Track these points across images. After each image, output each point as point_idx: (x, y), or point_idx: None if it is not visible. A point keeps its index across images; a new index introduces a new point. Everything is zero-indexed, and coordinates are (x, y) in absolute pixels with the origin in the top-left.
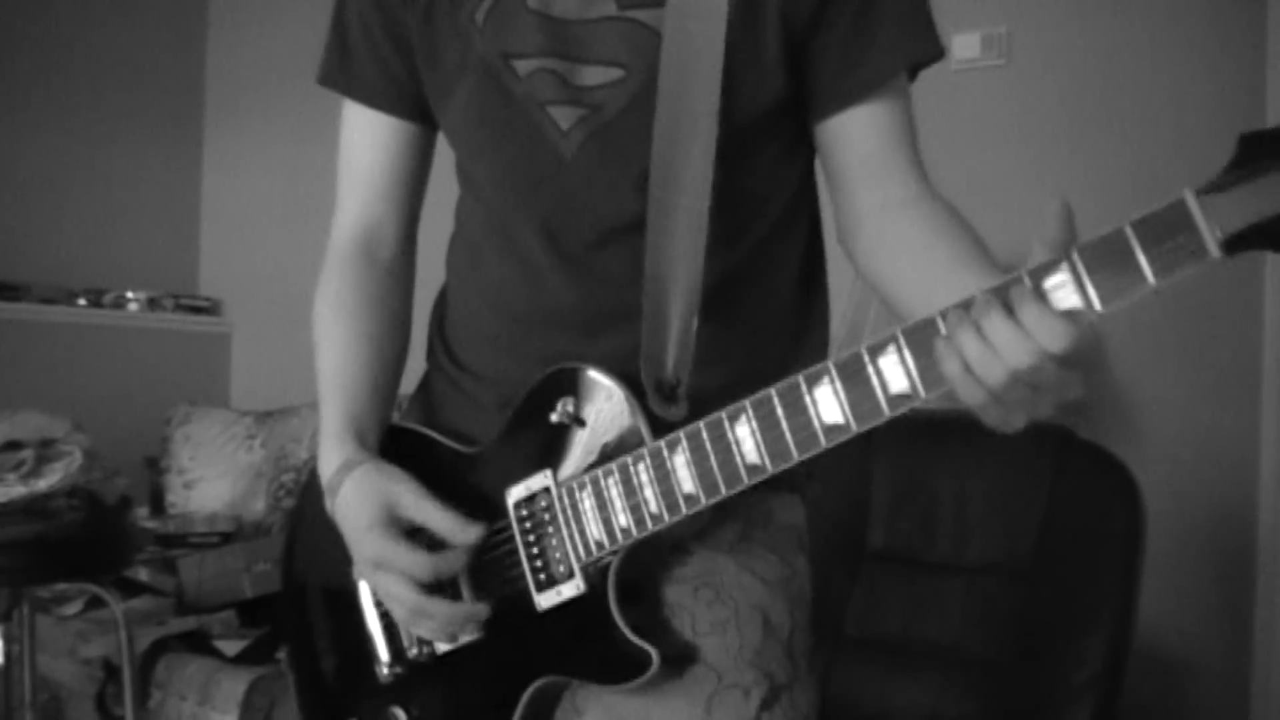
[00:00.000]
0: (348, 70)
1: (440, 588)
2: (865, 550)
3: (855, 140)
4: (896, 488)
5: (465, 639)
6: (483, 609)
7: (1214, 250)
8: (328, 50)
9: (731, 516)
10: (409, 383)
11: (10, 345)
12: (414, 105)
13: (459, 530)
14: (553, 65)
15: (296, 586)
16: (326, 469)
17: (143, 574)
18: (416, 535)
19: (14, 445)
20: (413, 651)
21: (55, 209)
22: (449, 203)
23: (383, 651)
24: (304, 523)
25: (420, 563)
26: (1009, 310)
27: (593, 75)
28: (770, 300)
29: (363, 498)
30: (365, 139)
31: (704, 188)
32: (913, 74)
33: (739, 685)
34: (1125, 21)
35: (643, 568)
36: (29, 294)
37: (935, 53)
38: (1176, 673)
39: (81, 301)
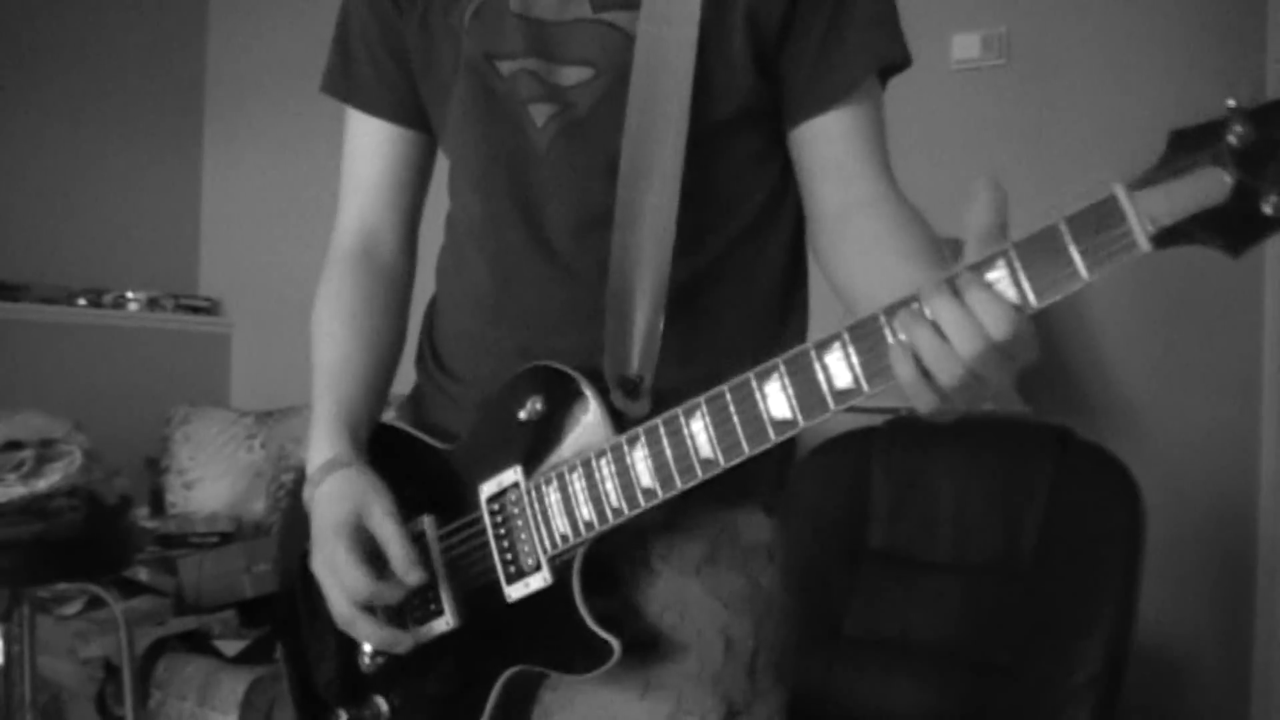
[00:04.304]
0: (348, 78)
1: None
2: (865, 550)
3: (825, 144)
4: (896, 488)
5: (429, 635)
6: (405, 639)
7: (1144, 244)
8: (330, 59)
9: (699, 535)
10: (403, 386)
11: (10, 345)
12: (411, 113)
13: (405, 566)
14: (533, 66)
15: (288, 580)
16: (314, 459)
17: (143, 574)
18: (376, 550)
19: (14, 445)
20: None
21: (55, 209)
22: (442, 217)
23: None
24: (295, 515)
25: (361, 585)
26: (955, 293)
27: (568, 75)
28: (743, 305)
29: (338, 499)
30: (365, 146)
31: (672, 185)
32: (884, 78)
33: (696, 711)
34: (1125, 21)
35: (607, 560)
36: (29, 294)
37: (902, 58)
38: (1176, 673)
39: (81, 301)
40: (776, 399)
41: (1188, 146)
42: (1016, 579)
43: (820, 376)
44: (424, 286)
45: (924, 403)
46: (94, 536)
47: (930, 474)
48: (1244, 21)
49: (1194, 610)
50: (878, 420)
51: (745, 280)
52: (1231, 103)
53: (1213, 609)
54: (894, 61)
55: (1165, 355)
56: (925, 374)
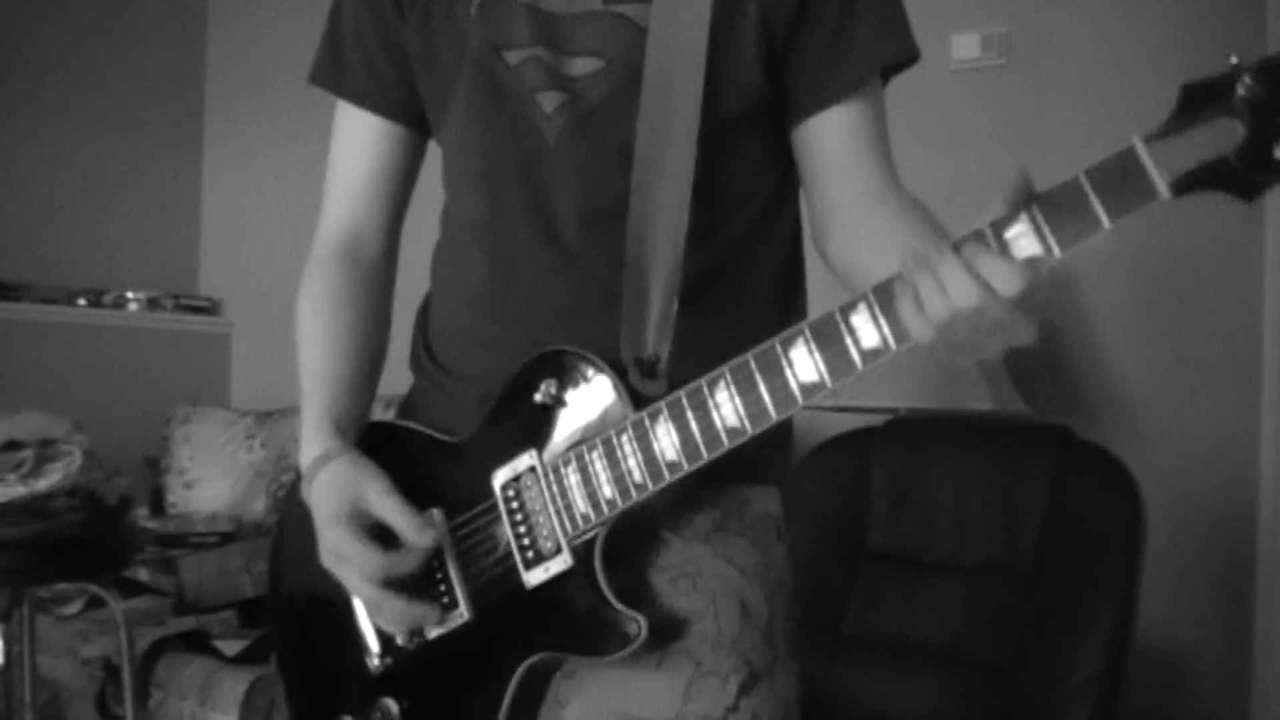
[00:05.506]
0: (339, 70)
1: (403, 583)
2: (865, 550)
3: (830, 141)
4: (896, 488)
5: (441, 630)
6: (434, 613)
7: (1164, 192)
8: (320, 50)
9: (708, 506)
10: (389, 385)
11: (10, 345)
12: (403, 109)
13: (414, 532)
14: (541, 54)
15: (284, 586)
16: (305, 458)
17: (143, 574)
18: (384, 531)
19: (14, 445)
20: (401, 640)
21: (55, 209)
22: (435, 216)
23: (372, 642)
24: (292, 521)
25: (373, 562)
26: (965, 260)
27: (578, 66)
28: (749, 301)
29: (333, 489)
30: (353, 140)
31: (685, 174)
32: (888, 75)
33: (717, 672)
34: (1125, 21)
35: (628, 539)
36: (29, 294)
37: (909, 54)
38: (1176, 673)
39: (81, 301)
40: (804, 364)
41: (1200, 99)
42: (1016, 579)
43: (848, 339)
44: (405, 287)
45: (923, 336)
46: (94, 536)
47: (930, 474)
48: (1243, 22)
49: (1194, 610)
50: (878, 420)
51: (746, 284)
52: (1234, 59)
53: (1213, 609)
54: (902, 58)
55: (1165, 355)
56: (919, 307)
